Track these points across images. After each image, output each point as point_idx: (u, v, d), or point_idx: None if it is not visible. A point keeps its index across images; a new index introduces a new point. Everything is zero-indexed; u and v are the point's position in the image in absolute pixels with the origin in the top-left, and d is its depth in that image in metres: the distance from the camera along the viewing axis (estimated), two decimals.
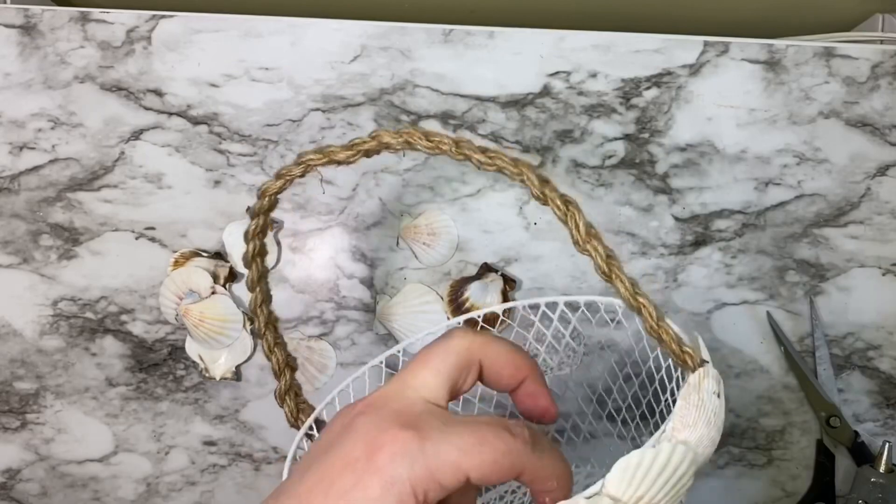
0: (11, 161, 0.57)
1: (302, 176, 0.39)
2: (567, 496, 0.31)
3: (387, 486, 0.28)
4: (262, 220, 0.42)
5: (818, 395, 0.55)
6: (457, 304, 0.56)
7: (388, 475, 0.28)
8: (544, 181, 0.36)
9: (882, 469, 0.52)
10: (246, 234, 0.42)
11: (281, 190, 0.40)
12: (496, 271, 0.56)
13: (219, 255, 0.57)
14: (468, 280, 0.56)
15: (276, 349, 0.45)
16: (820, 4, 0.64)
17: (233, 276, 0.57)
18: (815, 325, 0.56)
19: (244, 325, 0.56)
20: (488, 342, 0.34)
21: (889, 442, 0.52)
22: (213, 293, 0.56)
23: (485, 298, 0.55)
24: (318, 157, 0.38)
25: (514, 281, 0.56)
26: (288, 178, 0.39)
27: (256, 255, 0.43)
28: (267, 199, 0.41)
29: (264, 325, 0.45)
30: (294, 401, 0.45)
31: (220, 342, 0.56)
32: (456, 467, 0.29)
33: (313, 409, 0.45)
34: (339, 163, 0.38)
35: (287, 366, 0.45)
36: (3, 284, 0.57)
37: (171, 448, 0.58)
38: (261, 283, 0.44)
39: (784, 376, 0.57)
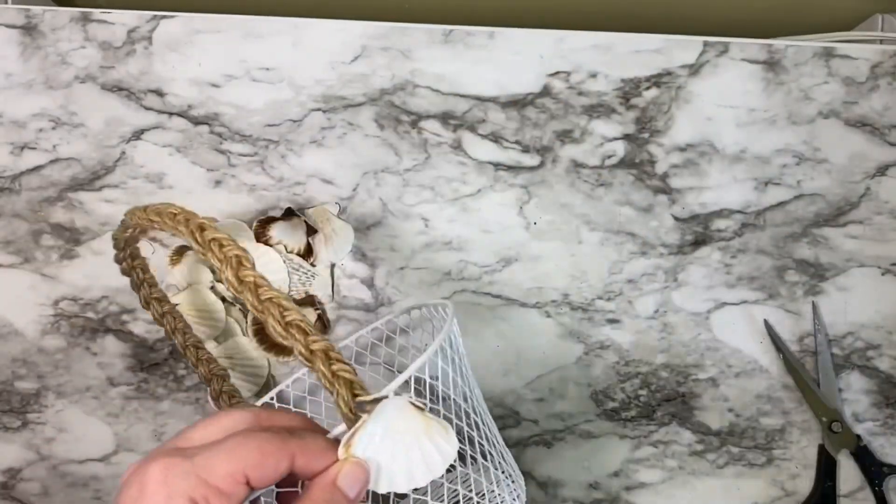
0: (13, 161, 0.57)
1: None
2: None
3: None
4: (126, 254, 0.51)
5: (819, 400, 0.55)
6: (265, 239, 0.57)
7: (164, 495, 0.30)
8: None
9: None
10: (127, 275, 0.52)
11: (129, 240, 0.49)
12: (299, 216, 0.57)
13: None
14: (273, 220, 0.57)
15: (199, 364, 0.53)
16: (819, 4, 0.65)
17: None
18: (818, 328, 0.56)
19: (228, 313, 0.57)
20: (294, 440, 0.34)
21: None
22: (189, 286, 0.56)
23: (291, 238, 0.56)
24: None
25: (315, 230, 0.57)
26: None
27: (151, 299, 0.53)
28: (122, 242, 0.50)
29: (183, 347, 0.53)
30: (227, 401, 0.53)
31: (203, 333, 0.56)
32: (230, 471, 0.30)
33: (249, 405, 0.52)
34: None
35: (214, 375, 0.53)
36: (4, 284, 0.58)
37: None
38: (165, 317, 0.53)
39: (784, 376, 0.57)
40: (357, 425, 0.33)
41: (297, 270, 0.57)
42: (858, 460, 0.55)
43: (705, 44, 0.57)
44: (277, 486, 0.35)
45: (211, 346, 0.56)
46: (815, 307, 0.57)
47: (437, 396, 0.40)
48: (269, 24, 0.57)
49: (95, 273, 0.57)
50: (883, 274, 0.57)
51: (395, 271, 0.58)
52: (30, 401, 0.58)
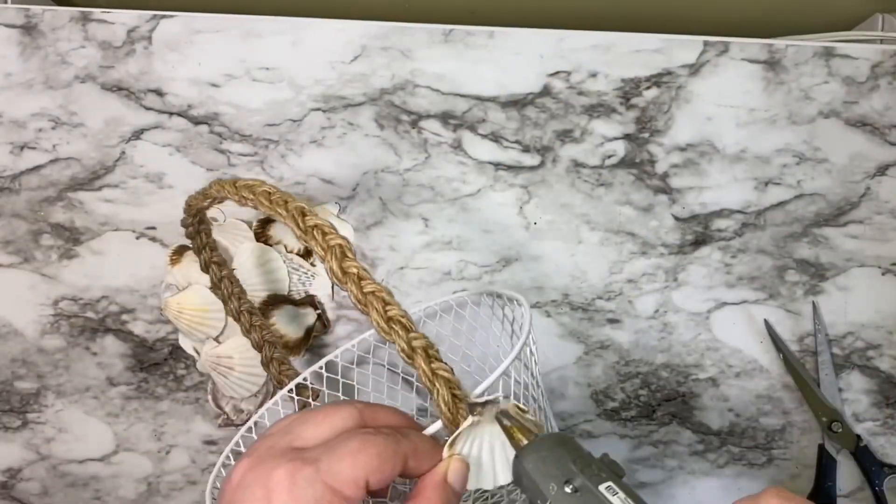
0: (12, 161, 0.57)
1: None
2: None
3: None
4: (195, 219, 0.50)
5: (819, 400, 0.55)
6: (264, 238, 0.57)
7: (293, 503, 0.30)
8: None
9: None
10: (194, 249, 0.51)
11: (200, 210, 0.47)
12: None
13: None
14: (273, 220, 0.57)
15: (252, 330, 0.52)
16: (820, 4, 0.65)
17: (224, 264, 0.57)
18: (818, 328, 0.56)
19: (227, 313, 0.56)
20: (406, 441, 0.35)
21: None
22: (189, 284, 0.56)
23: (291, 237, 0.56)
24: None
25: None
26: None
27: (211, 263, 0.52)
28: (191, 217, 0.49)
29: (238, 312, 0.52)
30: (278, 368, 0.52)
31: (203, 332, 0.56)
32: (354, 478, 0.31)
33: (298, 373, 0.51)
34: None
35: (266, 342, 0.52)
36: (4, 284, 0.58)
37: (172, 447, 0.58)
38: (222, 281, 0.52)
39: (784, 376, 0.57)
40: (465, 425, 0.34)
41: (297, 270, 0.57)
42: (858, 460, 0.55)
43: (705, 43, 0.57)
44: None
45: (211, 346, 0.56)
46: (815, 307, 0.57)
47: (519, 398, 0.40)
48: (269, 24, 0.57)
49: (95, 273, 0.57)
50: (883, 274, 0.57)
51: (395, 271, 0.58)
52: (29, 401, 0.58)
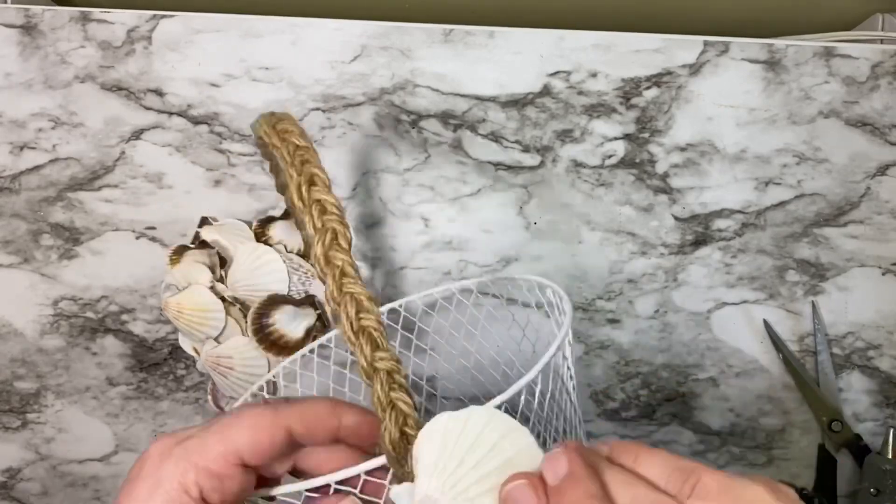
0: (12, 161, 0.57)
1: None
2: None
3: (152, 489, 0.29)
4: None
5: (819, 399, 0.55)
6: (265, 238, 0.57)
7: (154, 478, 0.30)
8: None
9: (890, 455, 0.52)
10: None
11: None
12: None
13: (204, 244, 0.57)
14: (273, 219, 0.57)
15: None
16: (820, 4, 0.64)
17: (224, 263, 0.57)
18: (818, 328, 0.56)
19: (228, 313, 0.56)
20: (289, 408, 0.32)
21: (894, 428, 0.52)
22: (189, 284, 0.56)
23: (291, 237, 0.56)
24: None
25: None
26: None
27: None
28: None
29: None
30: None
31: (203, 332, 0.56)
32: (220, 451, 0.30)
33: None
34: None
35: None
36: (3, 284, 0.58)
37: None
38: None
39: (784, 376, 0.57)
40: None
41: (297, 270, 0.57)
42: (858, 460, 0.55)
43: (706, 43, 0.57)
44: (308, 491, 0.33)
45: (211, 346, 0.56)
46: (814, 307, 0.57)
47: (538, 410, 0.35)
48: (269, 24, 0.57)
49: (95, 273, 0.57)
50: (883, 274, 0.57)
51: (395, 271, 0.57)
52: (29, 401, 0.58)
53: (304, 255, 0.57)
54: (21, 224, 0.57)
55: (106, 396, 0.58)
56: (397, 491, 0.30)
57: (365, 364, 0.30)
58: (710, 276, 0.57)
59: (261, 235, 0.57)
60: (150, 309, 0.57)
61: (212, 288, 0.56)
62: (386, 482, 0.31)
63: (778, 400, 0.57)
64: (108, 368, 0.58)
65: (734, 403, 0.57)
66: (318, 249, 0.31)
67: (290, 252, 0.57)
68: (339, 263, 0.31)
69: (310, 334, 0.56)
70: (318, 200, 0.32)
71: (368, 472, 0.31)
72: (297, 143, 0.34)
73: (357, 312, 0.31)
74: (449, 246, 0.57)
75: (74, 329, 0.58)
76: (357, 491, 0.31)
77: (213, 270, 0.56)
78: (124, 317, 0.58)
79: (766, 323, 0.56)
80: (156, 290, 0.57)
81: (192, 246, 0.57)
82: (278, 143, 0.34)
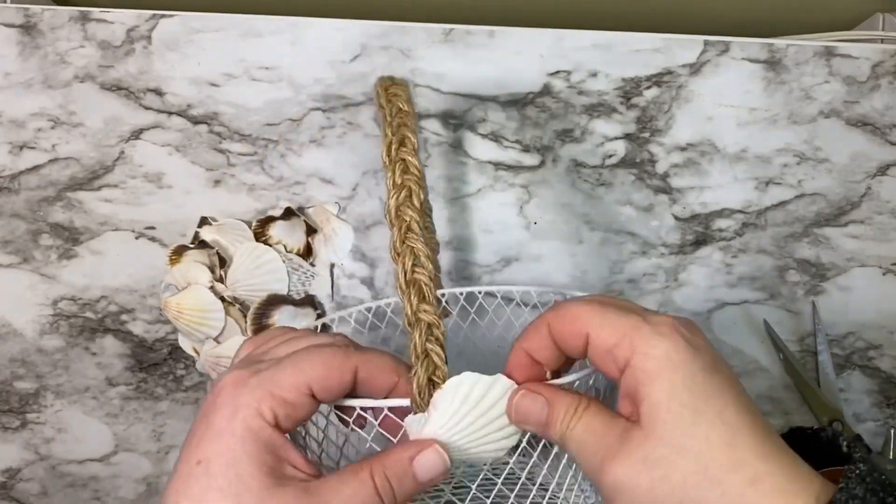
0: (11, 161, 0.57)
1: None
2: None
3: (230, 415, 0.31)
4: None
5: (820, 399, 0.55)
6: (265, 238, 0.57)
7: (231, 407, 0.31)
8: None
9: (891, 456, 0.52)
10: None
11: None
12: (298, 216, 0.57)
13: (203, 244, 0.57)
14: (272, 219, 0.57)
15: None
16: (820, 4, 0.64)
17: (224, 263, 0.57)
18: (818, 328, 0.56)
19: (228, 313, 0.56)
20: (359, 354, 0.35)
21: (895, 428, 0.52)
22: (189, 284, 0.56)
23: (291, 237, 0.56)
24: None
25: (315, 230, 0.57)
26: None
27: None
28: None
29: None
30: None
31: (203, 332, 0.56)
32: (294, 382, 0.32)
33: None
34: None
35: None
36: (3, 284, 0.57)
37: (172, 448, 0.58)
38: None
39: (785, 376, 0.57)
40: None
41: (297, 270, 0.57)
42: None
43: (706, 43, 0.56)
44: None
45: (210, 346, 0.56)
46: (814, 307, 0.57)
47: None
48: (269, 23, 0.57)
49: (94, 273, 0.57)
50: (884, 274, 0.57)
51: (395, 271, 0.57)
52: (29, 401, 0.58)
53: (304, 254, 0.57)
54: (20, 224, 0.57)
55: (105, 396, 0.58)
56: (411, 419, 0.33)
57: (409, 313, 0.33)
58: (710, 276, 0.57)
59: (260, 235, 0.57)
60: (149, 309, 0.57)
61: (211, 288, 0.56)
62: (403, 423, 0.34)
63: (778, 400, 0.57)
64: (108, 368, 0.58)
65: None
66: (391, 202, 0.33)
67: (290, 252, 0.57)
68: (408, 219, 0.33)
69: None
70: (403, 160, 0.34)
71: (392, 410, 0.34)
72: (401, 106, 0.37)
73: (413, 265, 0.33)
74: (449, 246, 0.57)
75: (74, 329, 0.57)
76: (377, 423, 0.34)
77: (212, 270, 0.56)
78: (124, 317, 0.58)
79: (766, 323, 0.56)
80: (155, 290, 0.57)
81: (192, 246, 0.57)
82: (384, 103, 0.37)
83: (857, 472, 0.29)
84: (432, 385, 0.33)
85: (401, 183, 0.34)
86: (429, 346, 0.32)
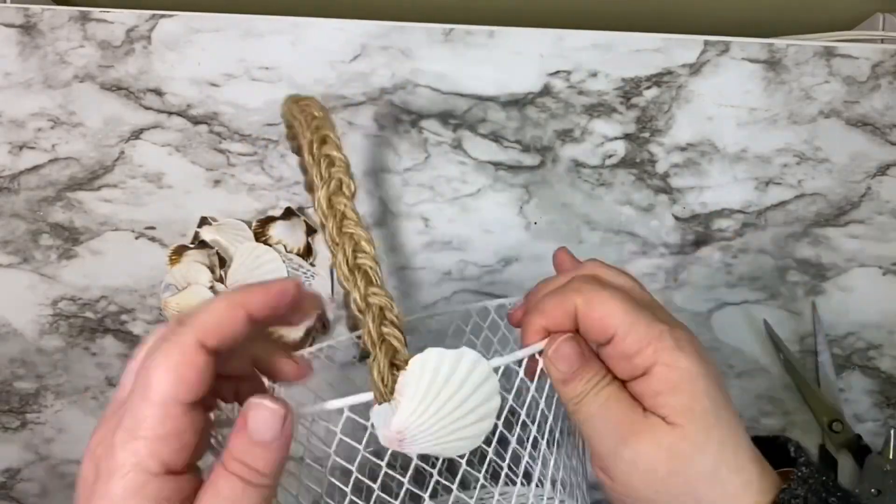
0: (11, 161, 0.57)
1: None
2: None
3: (166, 354, 0.29)
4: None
5: (820, 399, 0.55)
6: (264, 238, 0.57)
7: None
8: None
9: (891, 456, 0.52)
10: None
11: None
12: (298, 216, 0.57)
13: (203, 244, 0.57)
14: (272, 219, 0.57)
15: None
16: (820, 4, 0.64)
17: (223, 263, 0.57)
18: (818, 328, 0.56)
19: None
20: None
21: (895, 428, 0.52)
22: (189, 284, 0.56)
23: (291, 237, 0.56)
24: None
25: (314, 230, 0.57)
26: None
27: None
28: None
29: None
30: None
31: None
32: (226, 305, 0.30)
33: None
34: None
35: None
36: (3, 284, 0.57)
37: None
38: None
39: (785, 376, 0.57)
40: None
41: (297, 270, 0.57)
42: (859, 461, 0.55)
43: (706, 43, 0.56)
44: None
45: None
46: (814, 307, 0.57)
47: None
48: (269, 24, 0.57)
49: (94, 273, 0.57)
50: (884, 274, 0.57)
51: (395, 271, 0.57)
52: (29, 401, 0.58)
53: (304, 254, 0.57)
54: (20, 224, 0.57)
55: (105, 397, 0.58)
56: (377, 410, 0.31)
57: (359, 299, 0.31)
58: (710, 276, 0.57)
59: (260, 235, 0.57)
60: (149, 309, 0.57)
61: (211, 288, 0.56)
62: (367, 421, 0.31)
63: (778, 400, 0.57)
64: (108, 369, 0.58)
65: (735, 404, 0.57)
66: (321, 194, 0.32)
67: (290, 252, 0.57)
68: (341, 208, 0.32)
69: (310, 335, 0.56)
70: (328, 155, 0.33)
71: (353, 408, 0.31)
72: (315, 113, 0.35)
73: (354, 251, 0.31)
74: (449, 246, 0.57)
75: (74, 329, 0.57)
76: (339, 427, 0.32)
77: (212, 270, 0.56)
78: (124, 317, 0.58)
79: (766, 323, 0.56)
80: (155, 290, 0.57)
81: (192, 246, 0.57)
82: (297, 113, 0.36)
83: (800, 474, 0.33)
84: (395, 369, 0.31)
85: (328, 176, 0.32)
86: (384, 329, 0.31)
